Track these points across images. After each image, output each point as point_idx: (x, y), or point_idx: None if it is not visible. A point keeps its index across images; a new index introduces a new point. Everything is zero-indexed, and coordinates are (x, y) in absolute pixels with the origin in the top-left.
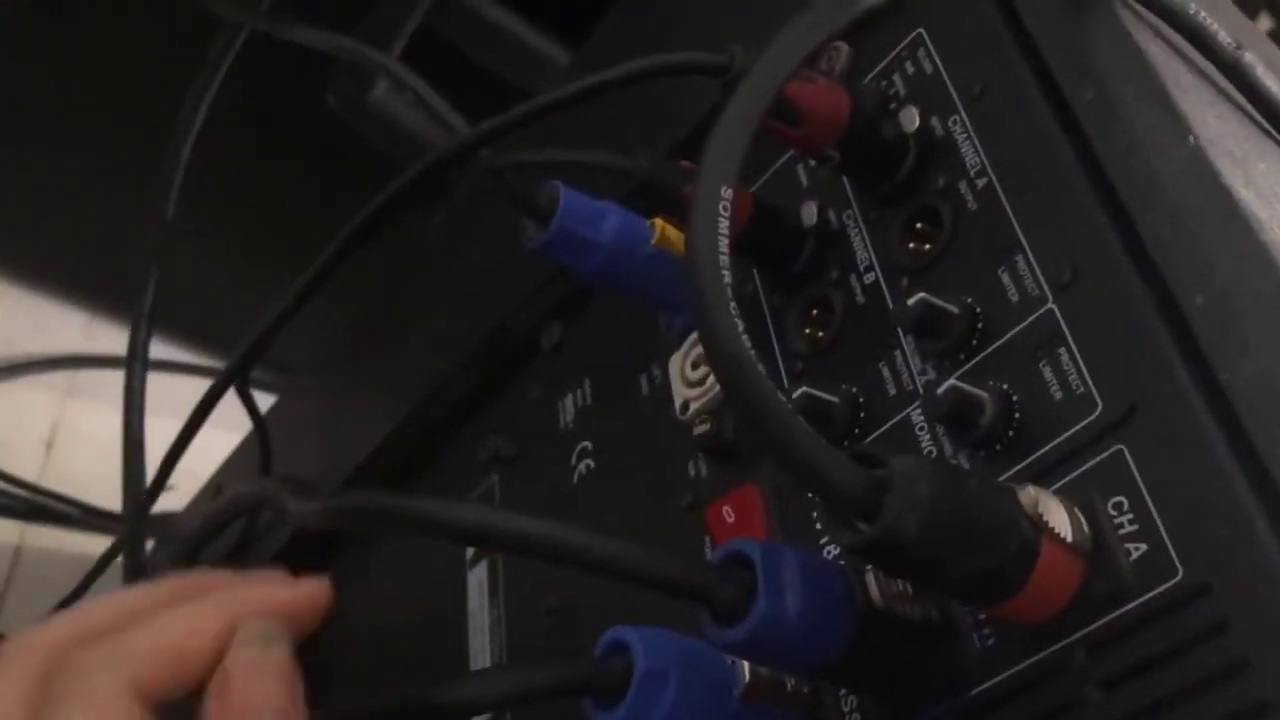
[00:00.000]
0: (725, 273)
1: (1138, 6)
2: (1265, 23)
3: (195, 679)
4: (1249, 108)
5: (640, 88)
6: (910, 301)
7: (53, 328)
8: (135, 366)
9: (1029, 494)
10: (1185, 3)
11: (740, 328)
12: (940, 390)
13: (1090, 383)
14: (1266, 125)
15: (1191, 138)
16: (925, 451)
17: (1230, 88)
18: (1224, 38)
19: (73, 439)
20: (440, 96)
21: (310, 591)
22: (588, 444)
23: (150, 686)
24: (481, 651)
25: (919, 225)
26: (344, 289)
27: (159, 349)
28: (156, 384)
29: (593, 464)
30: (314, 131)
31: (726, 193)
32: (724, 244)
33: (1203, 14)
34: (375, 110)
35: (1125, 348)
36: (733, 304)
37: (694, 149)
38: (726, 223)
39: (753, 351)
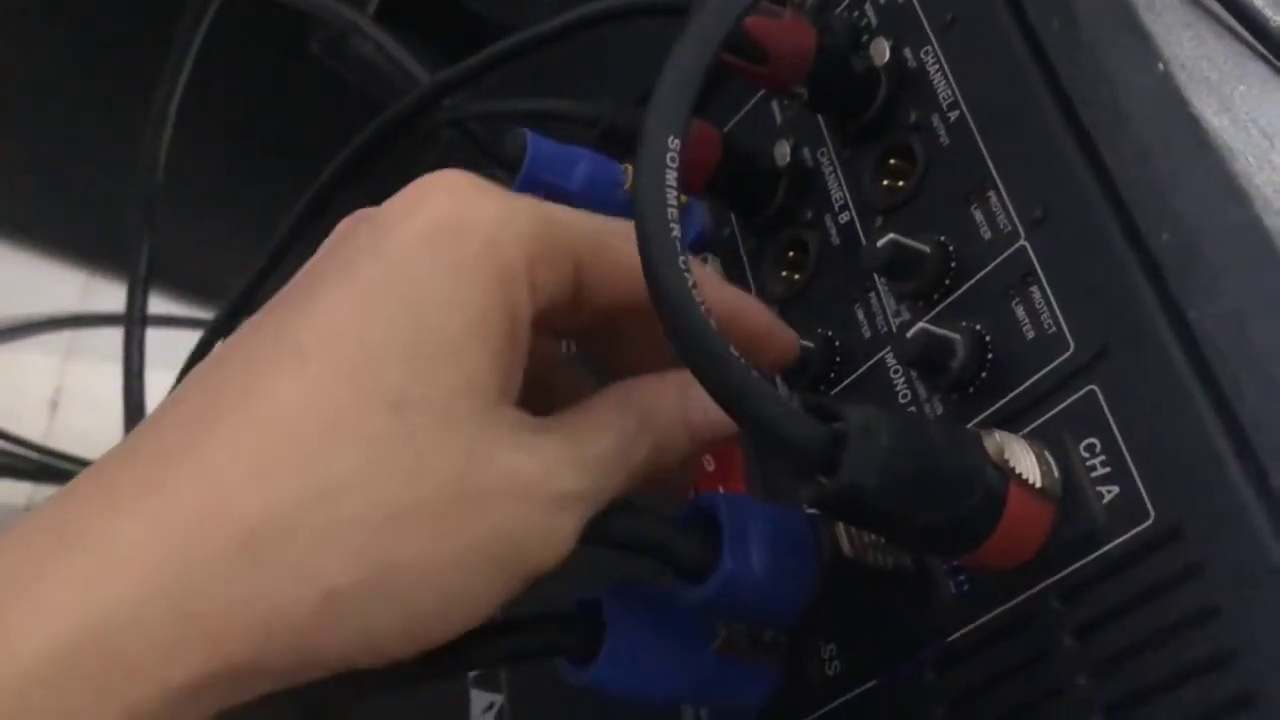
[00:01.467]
0: (674, 226)
1: None
2: None
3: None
4: (1233, 23)
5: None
6: (879, 243)
7: (52, 288)
8: (134, 331)
9: (994, 440)
10: None
11: (690, 282)
12: (910, 334)
13: (1062, 322)
14: (1251, 40)
15: (1160, 64)
16: (900, 396)
17: (1214, 4)
18: None
19: (76, 398)
20: (423, 44)
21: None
22: None
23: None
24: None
25: (893, 162)
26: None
27: (159, 304)
28: (157, 339)
29: None
30: (304, 76)
31: (674, 143)
32: (672, 197)
33: None
34: (358, 55)
35: (1097, 286)
36: (682, 259)
37: None
38: (675, 174)
39: (703, 306)
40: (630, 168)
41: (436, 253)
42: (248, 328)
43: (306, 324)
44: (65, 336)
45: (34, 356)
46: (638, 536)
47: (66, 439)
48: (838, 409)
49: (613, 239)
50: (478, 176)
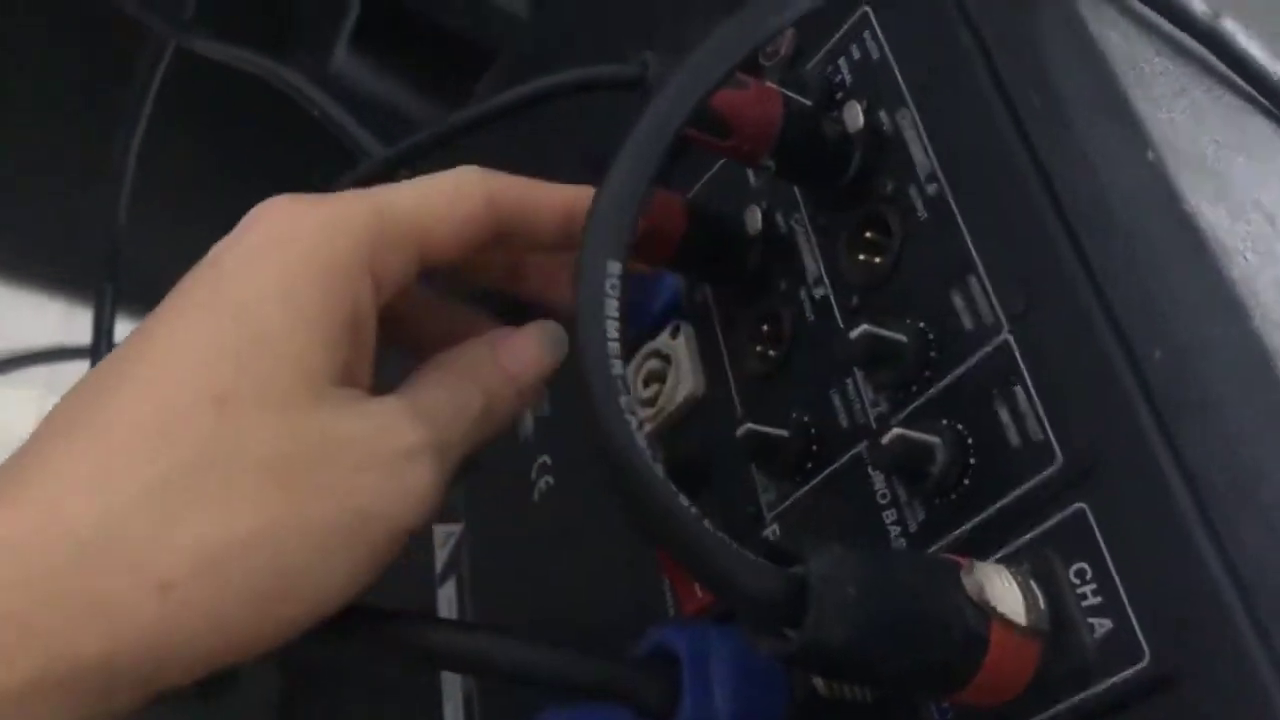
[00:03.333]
0: (616, 363)
1: None
2: None
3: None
4: (1233, 77)
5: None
6: (854, 334)
7: (31, 321)
8: None
9: (974, 578)
10: None
11: (634, 425)
12: (886, 439)
13: (1049, 430)
14: (1253, 93)
15: (1150, 153)
16: (879, 495)
17: (1212, 58)
18: (1198, 6)
19: None
20: (401, 65)
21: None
22: (547, 459)
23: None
24: (451, 684)
25: (869, 234)
26: None
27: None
28: None
29: (552, 481)
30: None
31: (614, 268)
32: (614, 330)
33: None
34: (336, 79)
35: (1086, 393)
36: (624, 398)
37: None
38: (617, 304)
39: (648, 451)
40: None
41: (265, 259)
42: (108, 355)
43: (147, 342)
44: (46, 371)
45: (15, 392)
46: (593, 679)
47: None
48: (798, 552)
49: (522, 189)
50: (307, 195)
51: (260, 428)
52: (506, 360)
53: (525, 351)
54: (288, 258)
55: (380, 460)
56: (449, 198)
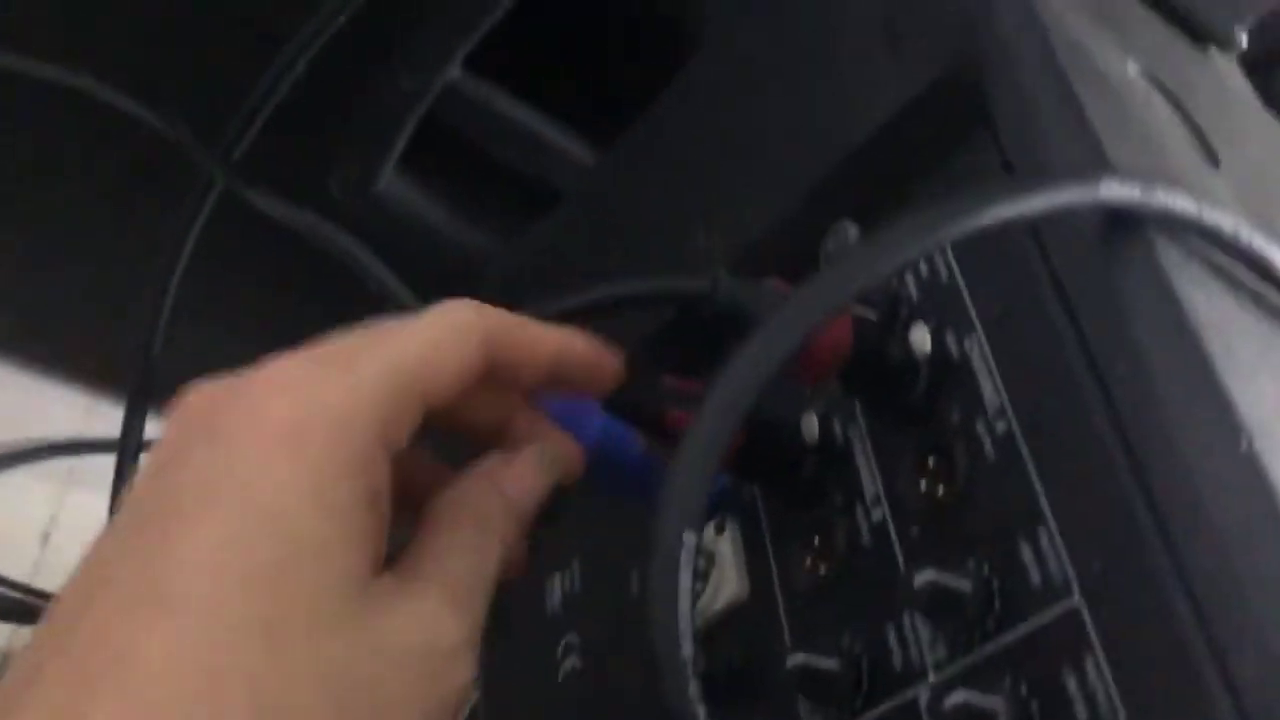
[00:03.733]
0: (685, 644)
1: (1182, 236)
2: None
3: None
4: None
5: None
6: (916, 583)
7: (53, 412)
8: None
9: None
10: (1235, 231)
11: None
12: (948, 705)
13: (1123, 715)
14: None
15: (1245, 443)
16: None
17: None
18: None
19: (71, 530)
20: (450, 196)
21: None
22: (574, 638)
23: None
24: None
25: (932, 461)
26: None
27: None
28: None
29: (579, 663)
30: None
31: (690, 540)
32: (686, 607)
33: (1256, 239)
34: (382, 201)
35: (1166, 682)
36: (693, 685)
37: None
38: (690, 578)
39: None
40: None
41: (289, 453)
42: (108, 572)
43: (171, 572)
44: (64, 464)
45: (32, 484)
46: None
47: (57, 573)
48: None
49: (514, 330)
50: (315, 353)
51: (314, 655)
52: (511, 491)
53: (526, 479)
54: (313, 453)
55: (431, 668)
56: (450, 344)
